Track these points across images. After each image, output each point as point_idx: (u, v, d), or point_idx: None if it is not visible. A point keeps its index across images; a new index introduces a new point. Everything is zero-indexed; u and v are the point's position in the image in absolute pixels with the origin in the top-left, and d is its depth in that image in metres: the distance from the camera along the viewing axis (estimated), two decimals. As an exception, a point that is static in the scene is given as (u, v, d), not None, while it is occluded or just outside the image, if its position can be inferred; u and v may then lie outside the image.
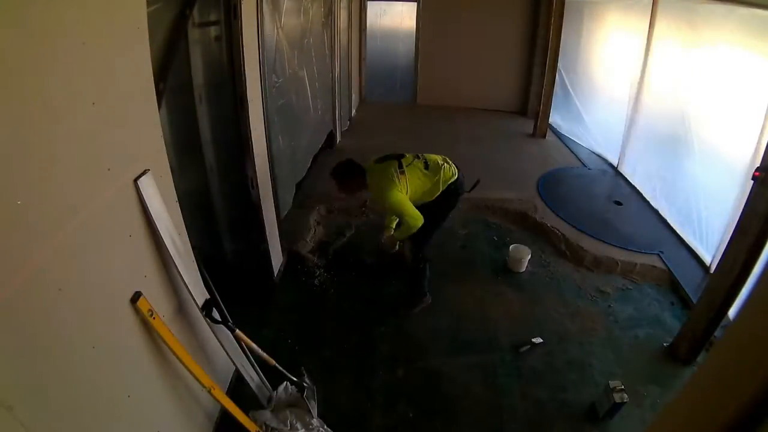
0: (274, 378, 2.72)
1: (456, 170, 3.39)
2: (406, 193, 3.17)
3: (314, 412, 2.68)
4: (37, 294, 1.27)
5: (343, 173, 3.28)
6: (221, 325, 2.31)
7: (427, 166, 3.29)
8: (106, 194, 1.57)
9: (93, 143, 1.48)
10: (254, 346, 2.51)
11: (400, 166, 3.22)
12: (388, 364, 3.18)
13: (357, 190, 3.37)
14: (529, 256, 4.17)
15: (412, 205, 3.17)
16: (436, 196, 3.32)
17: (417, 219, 3.17)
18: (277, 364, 2.63)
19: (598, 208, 5.26)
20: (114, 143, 1.59)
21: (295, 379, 2.71)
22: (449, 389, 3.03)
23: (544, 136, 7.44)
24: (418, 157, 3.33)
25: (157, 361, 1.92)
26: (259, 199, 3.36)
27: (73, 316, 1.41)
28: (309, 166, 5.41)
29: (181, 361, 1.94)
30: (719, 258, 3.16)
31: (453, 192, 3.37)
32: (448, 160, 3.41)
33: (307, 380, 2.81)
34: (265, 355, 2.58)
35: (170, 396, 2.08)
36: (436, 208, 3.36)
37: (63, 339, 1.38)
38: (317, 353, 3.23)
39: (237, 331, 2.36)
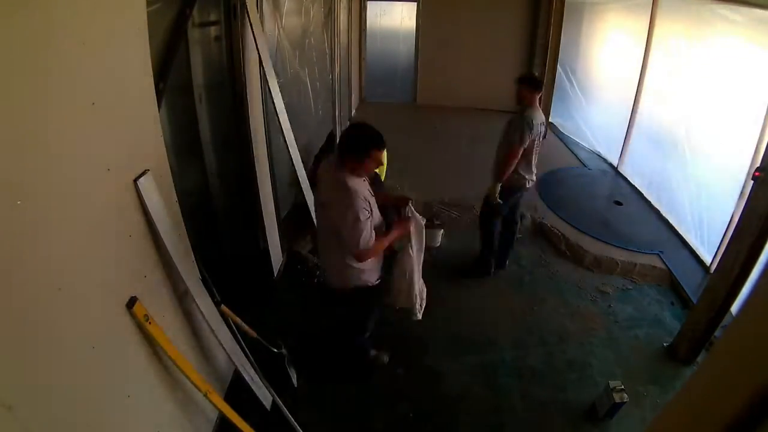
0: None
1: None
2: None
3: (294, 379, 2.90)
4: (36, 293, 1.26)
5: None
6: (222, 327, 2.32)
7: None
8: (106, 194, 1.57)
9: (92, 143, 1.48)
10: (238, 320, 2.55)
11: None
12: (389, 363, 3.18)
13: None
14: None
15: None
16: None
17: None
18: (258, 336, 2.68)
19: (598, 208, 5.27)
20: (114, 143, 1.59)
21: (275, 350, 2.79)
22: (449, 389, 3.03)
23: (544, 136, 7.41)
24: None
25: (155, 363, 1.91)
26: (260, 199, 3.36)
27: (72, 316, 1.41)
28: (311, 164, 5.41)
29: (176, 366, 1.93)
30: (719, 258, 3.16)
31: None
32: None
33: (284, 350, 2.88)
34: (247, 327, 2.61)
35: (170, 397, 2.07)
36: None
37: (62, 338, 1.38)
38: (318, 352, 3.23)
39: (222, 306, 2.36)
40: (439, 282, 3.85)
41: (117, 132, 1.61)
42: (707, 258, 4.14)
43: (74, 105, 1.38)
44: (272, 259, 3.74)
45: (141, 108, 1.80)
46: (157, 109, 1.91)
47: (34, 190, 1.24)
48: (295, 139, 3.83)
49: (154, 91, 1.84)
